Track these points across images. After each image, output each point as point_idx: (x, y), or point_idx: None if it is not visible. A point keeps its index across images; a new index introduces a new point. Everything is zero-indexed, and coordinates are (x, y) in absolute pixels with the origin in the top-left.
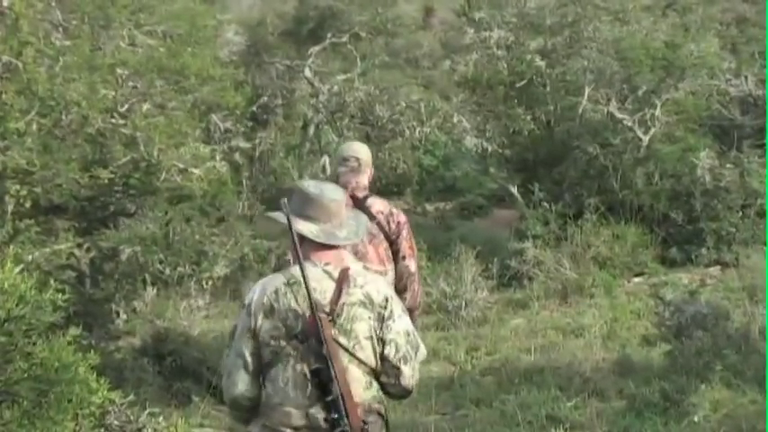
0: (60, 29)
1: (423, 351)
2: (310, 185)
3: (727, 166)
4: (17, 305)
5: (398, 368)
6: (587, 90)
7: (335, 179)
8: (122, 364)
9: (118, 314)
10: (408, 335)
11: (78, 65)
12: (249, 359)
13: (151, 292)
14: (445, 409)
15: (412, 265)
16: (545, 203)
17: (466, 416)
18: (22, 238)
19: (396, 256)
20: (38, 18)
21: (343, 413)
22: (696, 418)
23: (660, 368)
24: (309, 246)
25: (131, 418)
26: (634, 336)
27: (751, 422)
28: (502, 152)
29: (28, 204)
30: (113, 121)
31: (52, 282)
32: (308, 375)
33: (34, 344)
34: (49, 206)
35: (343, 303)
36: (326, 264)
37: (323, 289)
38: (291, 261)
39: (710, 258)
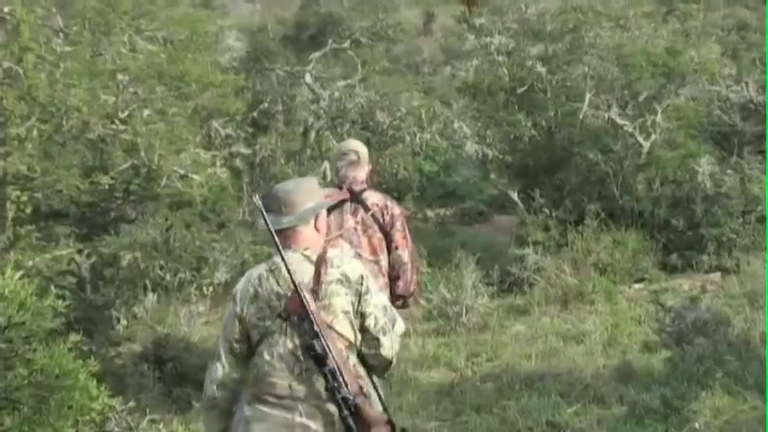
0: (61, 35)
1: (401, 324)
2: (277, 186)
3: (728, 172)
4: (18, 311)
5: (378, 339)
6: (588, 96)
7: (335, 174)
8: (123, 369)
9: (118, 320)
10: (386, 309)
11: (79, 71)
12: (236, 344)
13: (151, 298)
14: (446, 415)
15: (404, 255)
16: (545, 209)
17: (466, 422)
18: (22, 244)
19: (389, 246)
20: (39, 24)
21: (342, 381)
22: (697, 425)
23: (661, 374)
24: (285, 235)
25: (132, 424)
26: (635, 342)
27: (752, 429)
28: (502, 158)
29: (28, 210)
30: (114, 126)
31: (53, 288)
32: (292, 350)
33: (35, 350)
34: (50, 212)
35: (322, 282)
36: (306, 249)
37: (302, 271)
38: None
39: (711, 264)
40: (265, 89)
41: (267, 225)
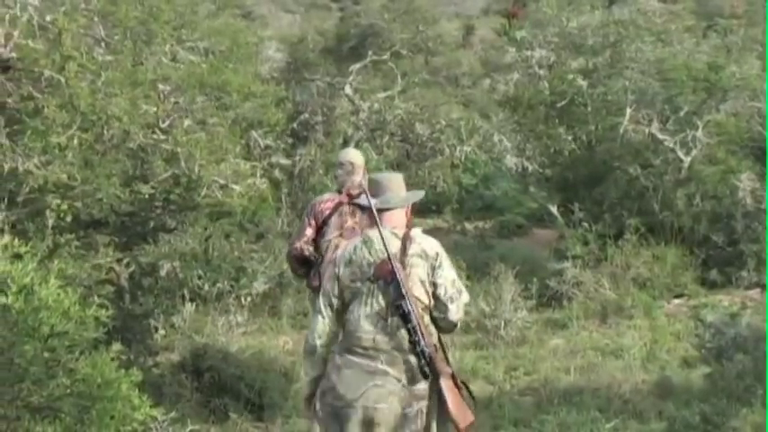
0: (103, 44)
1: (466, 295)
2: (376, 174)
3: None
4: (60, 321)
5: (446, 305)
6: (629, 110)
7: (335, 179)
8: (161, 379)
9: (156, 329)
10: (454, 282)
11: (120, 80)
12: (334, 299)
13: (190, 307)
14: (483, 429)
15: None
16: (585, 223)
17: None
18: (63, 253)
19: None
20: (80, 33)
21: (421, 336)
22: None
23: (700, 391)
24: (380, 215)
25: None
26: (674, 358)
27: None
28: (542, 172)
29: (68, 219)
30: (154, 136)
31: (96, 297)
32: (377, 310)
33: (77, 360)
34: (90, 221)
35: (407, 255)
36: (393, 227)
37: (391, 244)
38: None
39: (751, 281)
40: (305, 100)
41: (370, 205)
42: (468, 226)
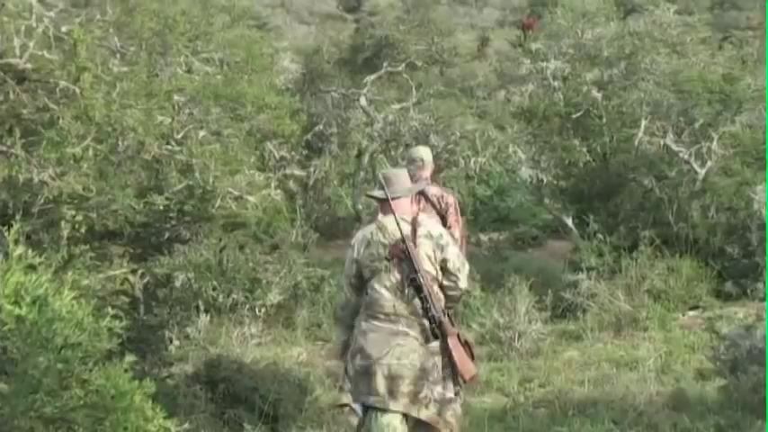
0: (118, 55)
1: (467, 266)
2: (386, 170)
3: None
4: (74, 332)
5: (455, 275)
6: (644, 122)
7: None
8: (175, 390)
9: (171, 340)
10: (458, 255)
11: (135, 91)
12: (353, 279)
13: (204, 318)
14: None
15: (456, 232)
16: (599, 235)
17: None
18: (77, 264)
19: (444, 224)
20: (96, 44)
21: (432, 303)
22: None
23: (715, 403)
24: (390, 204)
25: None
26: (688, 370)
27: None
28: (557, 183)
29: (83, 230)
30: (169, 147)
31: (109, 308)
32: (394, 283)
33: (90, 371)
34: (104, 232)
35: (417, 236)
36: (403, 214)
37: (402, 228)
38: (379, 217)
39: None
40: (320, 111)
41: (387, 196)
42: (483, 237)
